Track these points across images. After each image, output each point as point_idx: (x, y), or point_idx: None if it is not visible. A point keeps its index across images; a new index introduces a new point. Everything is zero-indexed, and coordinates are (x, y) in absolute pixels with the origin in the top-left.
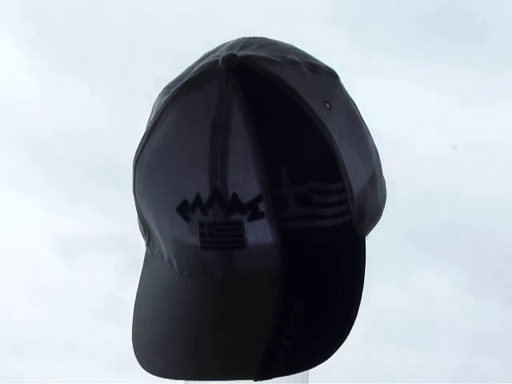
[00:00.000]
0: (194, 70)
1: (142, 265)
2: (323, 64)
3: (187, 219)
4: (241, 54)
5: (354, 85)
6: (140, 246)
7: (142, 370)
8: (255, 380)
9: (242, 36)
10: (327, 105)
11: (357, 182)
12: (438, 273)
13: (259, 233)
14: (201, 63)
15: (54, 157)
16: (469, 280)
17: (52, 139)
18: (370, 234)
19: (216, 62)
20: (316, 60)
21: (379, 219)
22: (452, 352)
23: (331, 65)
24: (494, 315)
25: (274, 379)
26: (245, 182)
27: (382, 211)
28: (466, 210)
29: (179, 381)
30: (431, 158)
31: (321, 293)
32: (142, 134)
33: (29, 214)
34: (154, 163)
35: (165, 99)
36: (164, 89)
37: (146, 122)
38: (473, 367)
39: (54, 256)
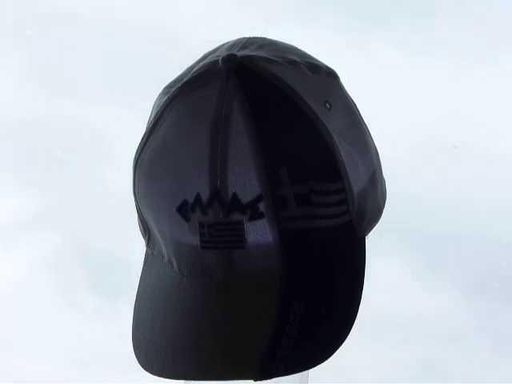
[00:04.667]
0: (194, 70)
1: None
2: (323, 64)
3: (187, 219)
4: (241, 54)
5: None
6: (74, 224)
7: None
8: (255, 380)
9: (242, 36)
10: (327, 105)
11: (357, 182)
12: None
13: (259, 233)
14: (201, 63)
15: None
16: (427, 267)
17: None
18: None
19: (216, 62)
20: (316, 60)
21: (379, 219)
22: (411, 345)
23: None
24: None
25: (274, 379)
26: (245, 182)
27: (382, 211)
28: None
29: (179, 381)
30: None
31: (321, 293)
32: (142, 134)
33: None
34: (154, 163)
35: (165, 99)
36: (164, 89)
37: (146, 122)
38: (433, 358)
39: None
